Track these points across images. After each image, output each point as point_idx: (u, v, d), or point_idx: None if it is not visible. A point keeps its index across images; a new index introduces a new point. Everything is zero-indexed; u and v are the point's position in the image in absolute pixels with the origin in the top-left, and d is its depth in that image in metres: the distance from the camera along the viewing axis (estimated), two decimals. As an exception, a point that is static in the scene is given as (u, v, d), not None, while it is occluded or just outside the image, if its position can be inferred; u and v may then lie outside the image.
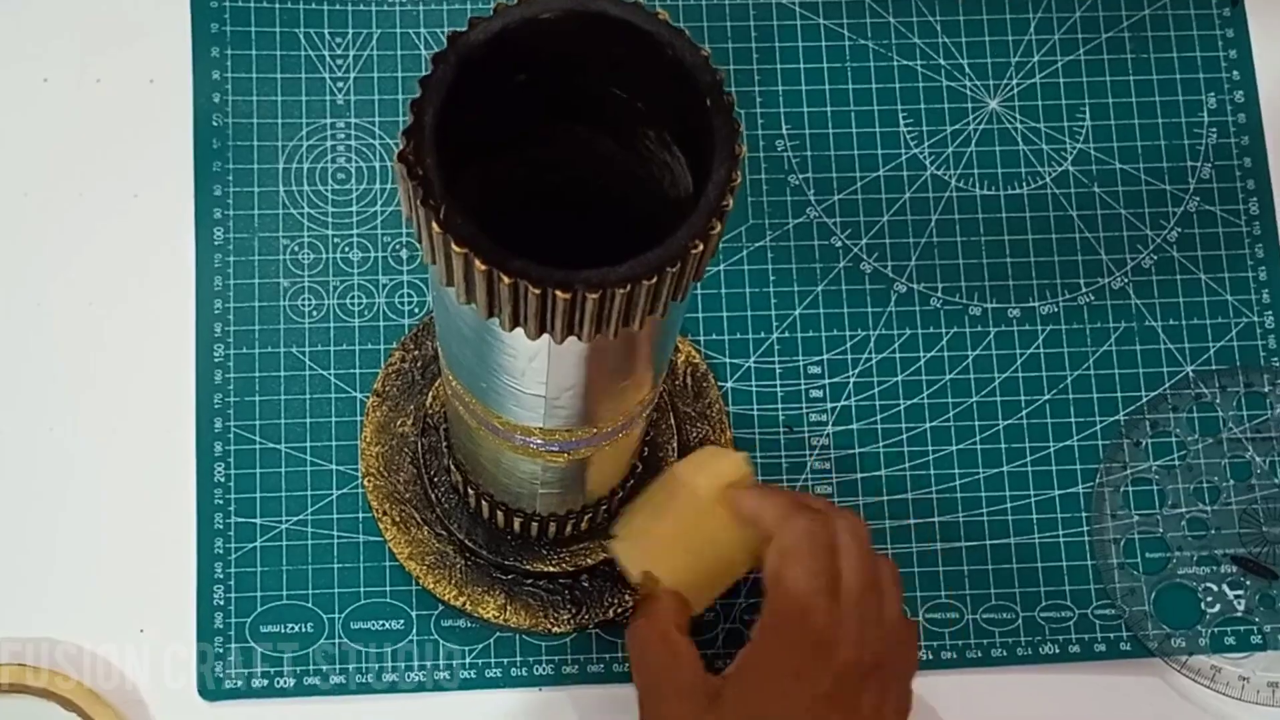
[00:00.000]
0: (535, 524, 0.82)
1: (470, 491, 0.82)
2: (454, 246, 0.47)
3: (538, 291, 0.47)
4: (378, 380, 0.89)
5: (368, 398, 0.89)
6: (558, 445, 0.67)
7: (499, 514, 0.82)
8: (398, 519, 0.87)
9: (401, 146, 0.47)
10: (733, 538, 0.80)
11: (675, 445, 0.87)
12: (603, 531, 0.85)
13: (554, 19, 0.49)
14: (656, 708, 0.78)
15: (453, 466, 0.84)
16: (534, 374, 0.57)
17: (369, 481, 0.88)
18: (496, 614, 0.86)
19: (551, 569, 0.86)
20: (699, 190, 0.49)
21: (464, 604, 0.86)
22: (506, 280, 0.47)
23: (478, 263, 0.46)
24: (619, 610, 0.87)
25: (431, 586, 0.86)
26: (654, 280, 0.48)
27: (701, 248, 0.48)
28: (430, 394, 0.87)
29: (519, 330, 0.50)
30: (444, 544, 0.87)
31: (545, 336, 0.50)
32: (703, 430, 0.89)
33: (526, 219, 0.56)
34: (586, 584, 0.87)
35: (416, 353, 0.89)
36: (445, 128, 0.48)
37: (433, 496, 0.87)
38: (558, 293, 0.47)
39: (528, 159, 0.57)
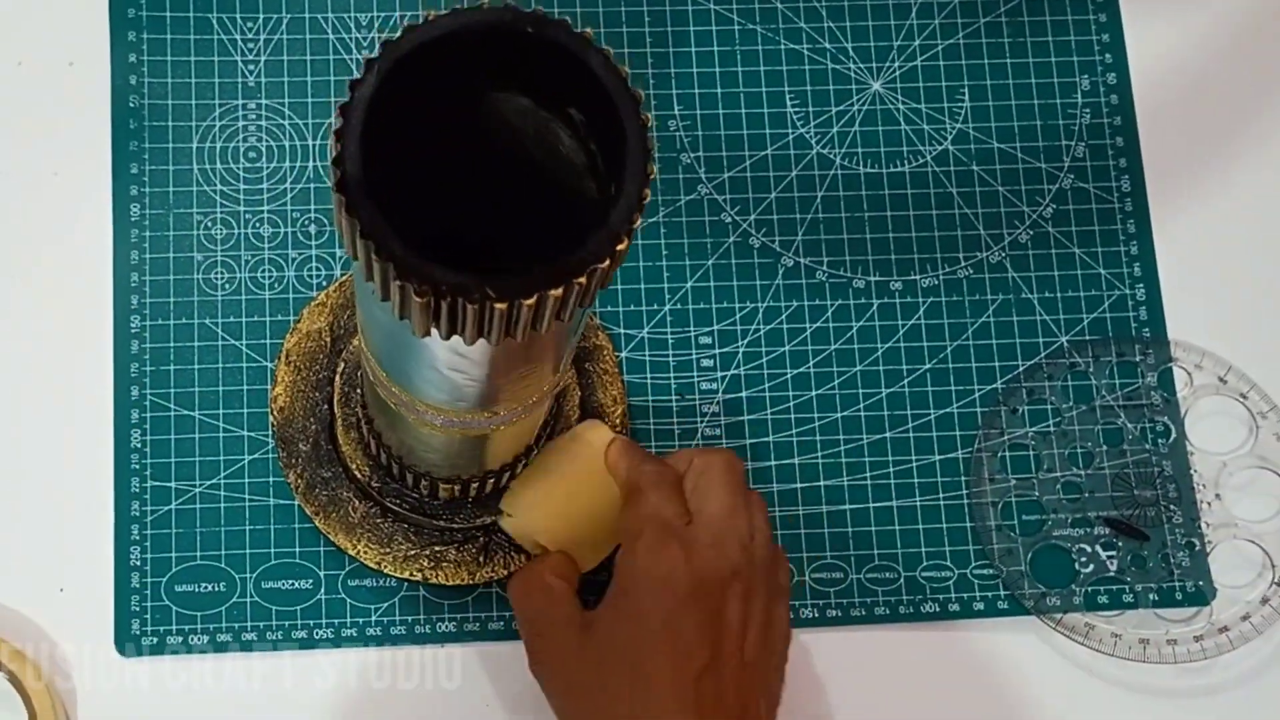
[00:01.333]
0: (442, 485, 0.85)
1: (380, 451, 0.85)
2: (374, 257, 0.49)
3: (449, 300, 0.49)
4: (285, 345, 0.91)
5: (277, 365, 0.91)
6: (461, 422, 0.69)
7: (408, 475, 0.85)
8: (308, 480, 0.90)
9: (332, 153, 0.49)
10: (611, 497, 0.83)
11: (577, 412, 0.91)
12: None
13: (481, 32, 0.51)
14: (539, 648, 0.82)
15: (363, 426, 0.86)
16: (445, 365, 0.60)
17: (280, 448, 0.90)
18: (401, 570, 0.89)
19: (457, 526, 0.88)
20: (609, 199, 0.51)
21: (358, 553, 0.89)
22: (419, 301, 0.49)
23: (394, 278, 0.49)
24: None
25: (327, 531, 0.89)
26: (561, 292, 0.50)
27: (608, 262, 0.50)
28: (340, 362, 0.89)
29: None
30: (345, 493, 0.89)
31: (456, 336, 0.52)
32: (600, 399, 0.92)
33: (450, 188, 0.59)
34: (492, 541, 0.89)
35: (321, 324, 0.92)
36: (370, 130, 0.50)
37: (342, 456, 0.89)
38: (468, 304, 0.49)
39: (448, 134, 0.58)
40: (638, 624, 0.77)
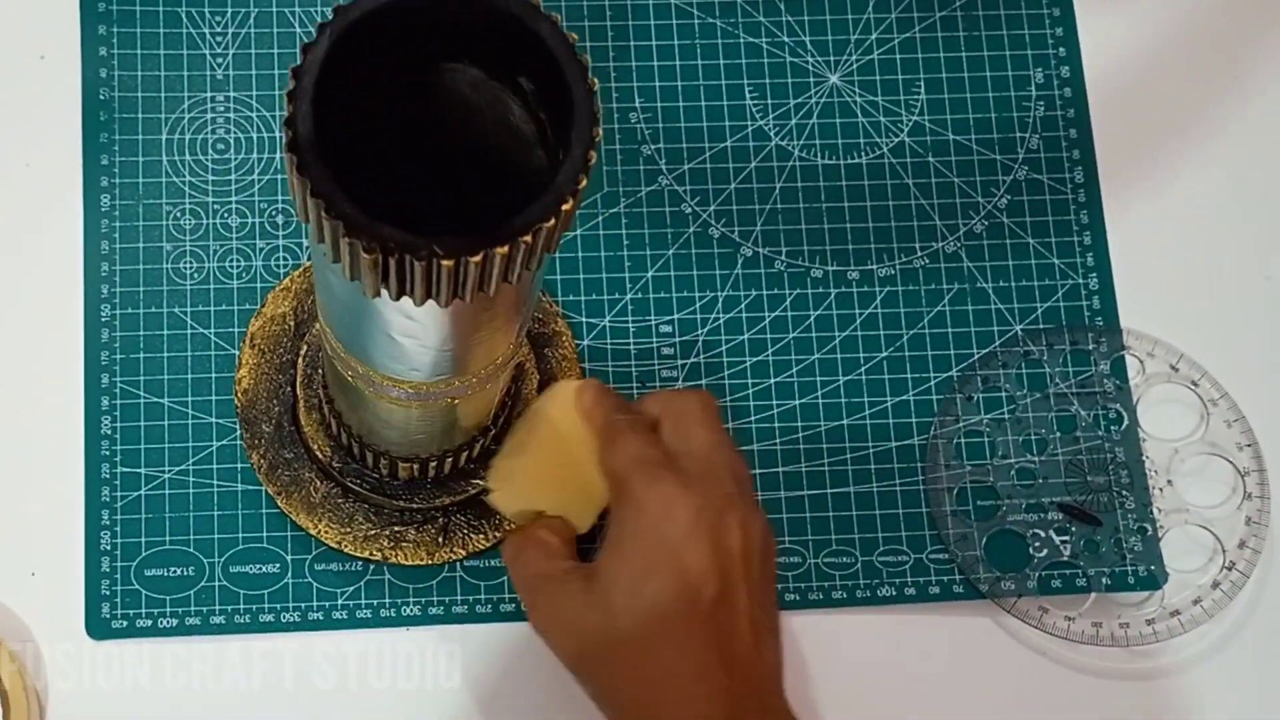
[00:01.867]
0: (401, 465, 0.86)
1: (341, 431, 0.86)
2: (324, 215, 0.49)
3: (397, 259, 0.50)
4: (250, 329, 0.93)
5: (242, 348, 0.92)
6: (416, 394, 0.70)
7: (368, 455, 0.86)
8: (270, 461, 0.91)
9: (286, 113, 0.50)
10: (594, 450, 0.82)
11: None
12: (471, 473, 0.88)
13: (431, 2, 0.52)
14: (540, 604, 0.80)
15: (325, 407, 0.87)
16: (398, 331, 0.60)
17: (244, 429, 0.91)
18: (361, 550, 0.90)
19: (417, 506, 0.89)
20: (557, 164, 0.52)
21: (319, 533, 0.90)
22: (367, 257, 0.50)
23: (343, 236, 0.49)
24: (489, 545, 0.91)
25: (289, 511, 0.90)
26: (507, 250, 0.50)
27: (554, 222, 0.51)
28: (303, 345, 0.90)
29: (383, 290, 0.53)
30: (307, 473, 0.90)
31: (406, 298, 0.53)
32: (562, 387, 0.93)
33: (404, 159, 0.60)
34: (451, 522, 0.90)
35: (285, 308, 0.93)
36: (322, 98, 0.50)
37: (304, 437, 0.90)
38: (417, 261, 0.50)
39: (396, 111, 0.59)
40: (642, 562, 0.75)
